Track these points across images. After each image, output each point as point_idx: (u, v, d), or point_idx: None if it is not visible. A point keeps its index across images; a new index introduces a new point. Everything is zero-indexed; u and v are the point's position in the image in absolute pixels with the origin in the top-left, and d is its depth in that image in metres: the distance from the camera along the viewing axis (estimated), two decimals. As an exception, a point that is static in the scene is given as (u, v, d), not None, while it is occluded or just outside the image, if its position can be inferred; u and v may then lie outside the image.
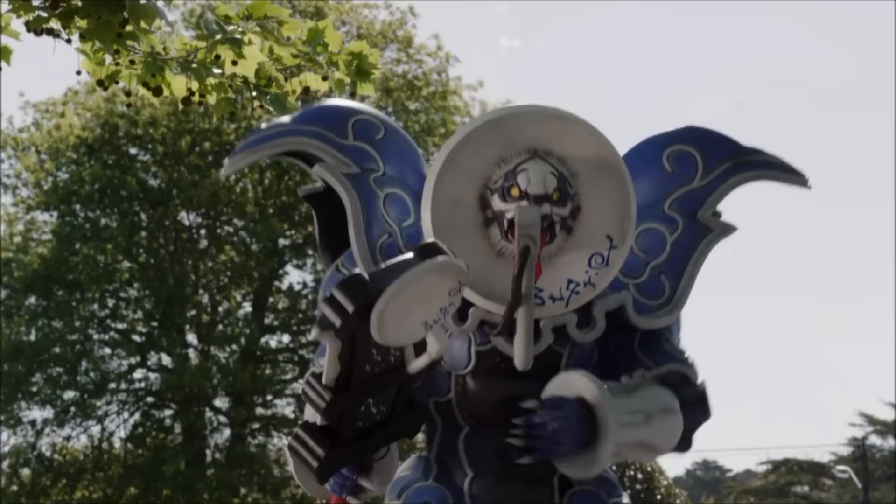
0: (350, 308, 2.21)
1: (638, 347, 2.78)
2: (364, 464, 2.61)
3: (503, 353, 2.66)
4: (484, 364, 2.71)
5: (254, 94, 3.62)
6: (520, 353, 2.57)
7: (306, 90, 3.71)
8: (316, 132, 2.83)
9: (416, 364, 2.37)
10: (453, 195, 2.66)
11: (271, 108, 3.51)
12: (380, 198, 2.82)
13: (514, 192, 2.61)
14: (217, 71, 3.53)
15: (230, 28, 3.33)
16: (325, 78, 3.66)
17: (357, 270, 2.56)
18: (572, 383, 2.55)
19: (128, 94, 4.46)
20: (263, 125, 2.90)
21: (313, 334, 2.27)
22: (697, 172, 2.85)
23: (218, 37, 3.29)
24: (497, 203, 2.64)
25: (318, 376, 2.33)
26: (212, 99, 3.66)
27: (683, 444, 2.79)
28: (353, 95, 3.93)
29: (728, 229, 2.88)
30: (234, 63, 3.34)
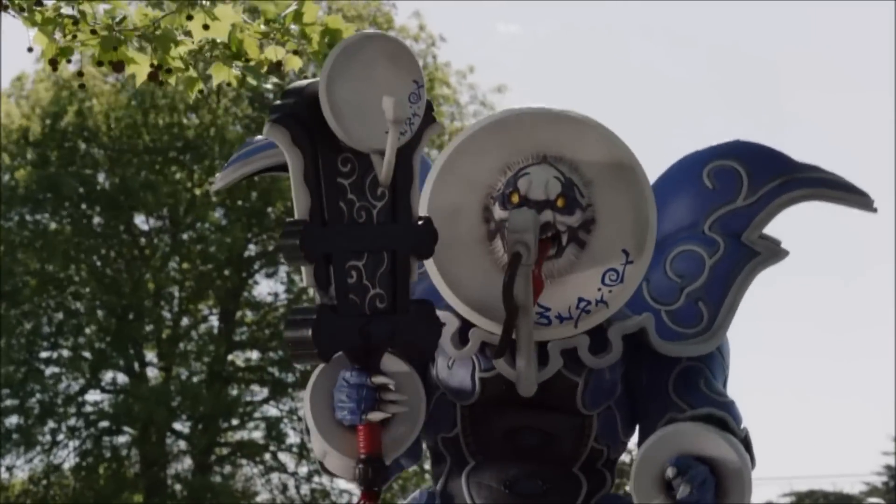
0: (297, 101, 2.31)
1: (672, 388, 2.75)
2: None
3: (509, 381, 2.64)
4: (489, 392, 2.68)
5: (233, 69, 3.62)
6: (521, 374, 2.57)
7: (278, 64, 3.72)
8: None
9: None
10: (451, 205, 2.64)
11: (247, 76, 3.51)
12: None
13: (515, 198, 2.60)
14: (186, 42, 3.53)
15: None
16: (297, 52, 3.68)
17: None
18: (697, 440, 2.56)
19: (80, 73, 4.43)
20: (258, 136, 2.90)
21: (266, 130, 2.31)
22: (742, 190, 2.83)
23: None
24: (498, 212, 2.63)
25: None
26: (174, 78, 3.67)
27: None
28: None
29: (778, 253, 2.85)
30: (206, 27, 3.33)
